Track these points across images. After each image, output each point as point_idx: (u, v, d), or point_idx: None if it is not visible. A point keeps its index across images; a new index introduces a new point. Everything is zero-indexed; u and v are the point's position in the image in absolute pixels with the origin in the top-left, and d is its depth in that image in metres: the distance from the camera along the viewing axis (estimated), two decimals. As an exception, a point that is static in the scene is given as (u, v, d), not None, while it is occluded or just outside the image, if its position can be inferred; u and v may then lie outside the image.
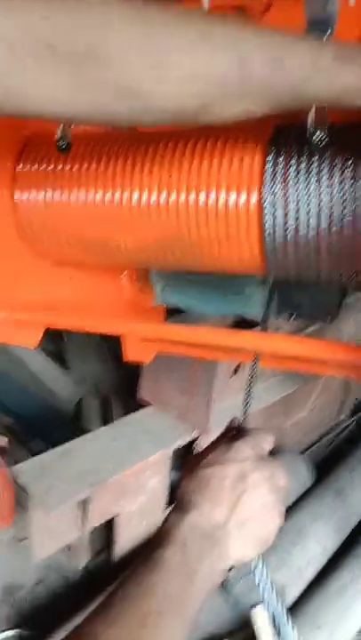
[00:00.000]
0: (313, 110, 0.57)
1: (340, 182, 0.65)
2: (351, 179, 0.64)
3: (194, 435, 1.57)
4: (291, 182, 0.67)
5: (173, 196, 0.72)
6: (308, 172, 0.66)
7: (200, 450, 0.66)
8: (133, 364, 1.19)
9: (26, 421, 1.99)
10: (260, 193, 0.68)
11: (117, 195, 0.75)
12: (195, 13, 0.52)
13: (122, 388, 1.99)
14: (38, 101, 0.51)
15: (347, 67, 0.50)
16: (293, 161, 0.67)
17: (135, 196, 0.74)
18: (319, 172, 0.66)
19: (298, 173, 0.66)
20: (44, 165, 0.80)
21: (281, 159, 0.67)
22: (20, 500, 1.44)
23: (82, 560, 1.52)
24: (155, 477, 1.52)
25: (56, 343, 2.04)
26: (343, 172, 0.65)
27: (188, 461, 0.66)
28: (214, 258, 0.76)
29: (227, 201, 0.70)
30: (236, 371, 1.52)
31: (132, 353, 1.07)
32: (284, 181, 0.67)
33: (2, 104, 0.50)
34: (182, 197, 0.72)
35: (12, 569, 1.58)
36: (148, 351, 1.10)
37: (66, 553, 1.58)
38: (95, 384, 2.07)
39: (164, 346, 1.08)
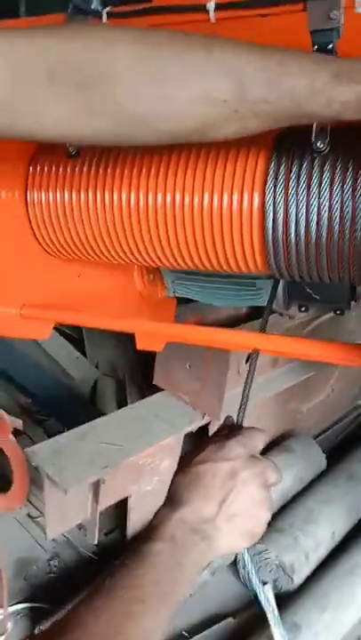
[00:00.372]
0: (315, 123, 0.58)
1: (341, 186, 0.65)
2: (352, 183, 0.65)
3: (205, 420, 1.60)
4: (292, 186, 0.68)
5: (178, 199, 0.74)
6: (309, 176, 0.67)
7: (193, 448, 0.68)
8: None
9: (42, 401, 2.03)
10: (262, 196, 0.69)
11: (124, 197, 0.77)
12: (195, 38, 0.53)
13: (137, 371, 2.02)
14: (44, 126, 0.53)
15: (345, 84, 0.49)
16: (295, 166, 0.68)
17: (142, 198, 0.76)
18: (321, 176, 0.66)
19: (299, 178, 0.67)
20: (55, 169, 0.84)
21: (283, 166, 0.68)
22: (36, 479, 1.49)
23: (95, 537, 1.57)
24: (166, 460, 1.55)
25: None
26: (344, 176, 0.65)
27: (181, 458, 0.68)
28: (219, 259, 0.77)
29: (231, 204, 0.71)
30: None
31: (143, 343, 1.08)
32: (286, 185, 0.68)
33: (10, 128, 0.53)
34: (187, 200, 0.73)
35: (26, 544, 1.63)
36: (159, 341, 1.12)
37: (80, 530, 1.64)
38: (111, 367, 2.10)
39: (174, 336, 1.09)
